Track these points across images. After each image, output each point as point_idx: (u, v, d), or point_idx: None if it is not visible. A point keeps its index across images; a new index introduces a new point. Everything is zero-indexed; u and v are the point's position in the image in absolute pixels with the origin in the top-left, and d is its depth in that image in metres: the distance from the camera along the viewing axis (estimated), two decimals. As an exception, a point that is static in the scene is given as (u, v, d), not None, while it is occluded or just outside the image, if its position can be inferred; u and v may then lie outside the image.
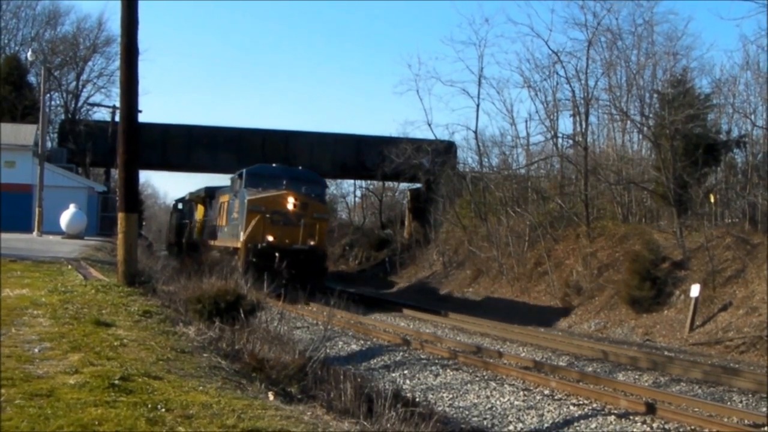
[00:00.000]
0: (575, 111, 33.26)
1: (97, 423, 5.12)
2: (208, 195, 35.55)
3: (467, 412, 10.94)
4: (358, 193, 62.79)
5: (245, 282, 13.62)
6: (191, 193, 41.15)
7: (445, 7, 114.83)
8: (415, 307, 26.21)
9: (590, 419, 10.34)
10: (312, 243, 25.51)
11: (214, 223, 32.56)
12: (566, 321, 24.39)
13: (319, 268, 25.91)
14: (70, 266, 16.93)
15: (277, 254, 24.16)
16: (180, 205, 47.63)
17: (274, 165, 30.85)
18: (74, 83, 54.42)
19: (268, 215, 25.44)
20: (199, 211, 38.19)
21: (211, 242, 31.19)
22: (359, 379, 10.97)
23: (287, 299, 20.34)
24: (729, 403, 11.97)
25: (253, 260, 23.99)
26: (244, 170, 27.90)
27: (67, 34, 54.99)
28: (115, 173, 36.28)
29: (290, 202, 25.58)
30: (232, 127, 48.93)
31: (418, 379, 12.88)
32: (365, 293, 31.00)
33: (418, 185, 45.31)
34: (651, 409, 10.56)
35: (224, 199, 30.85)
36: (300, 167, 32.23)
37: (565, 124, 76.37)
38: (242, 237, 25.56)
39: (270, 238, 25.26)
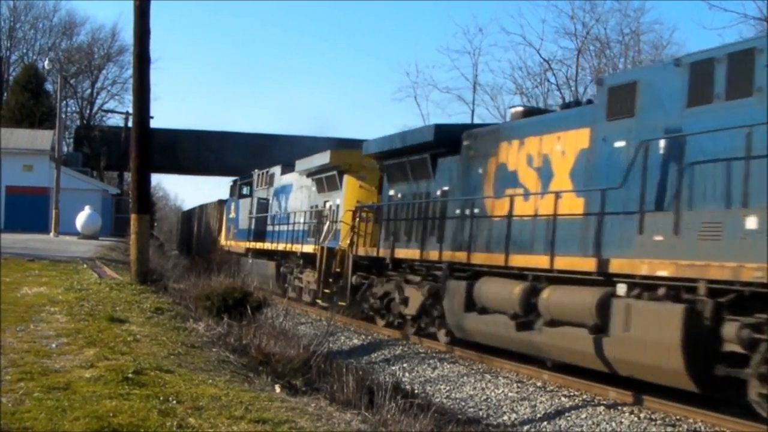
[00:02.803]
0: (566, 117, 33.56)
1: (111, 415, 5.30)
2: (398, 153, 16.55)
3: (463, 403, 11.11)
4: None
5: None
6: (319, 159, 21.14)
7: (441, 17, 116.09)
8: None
9: (581, 409, 10.54)
10: None
11: (461, 212, 14.17)
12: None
13: None
14: (85, 265, 17.31)
15: None
16: (245, 189, 30.16)
17: None
18: (89, 91, 55.85)
19: None
20: (351, 192, 19.59)
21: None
22: (361, 372, 11.21)
23: None
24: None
25: None
26: None
27: (83, 44, 56.32)
28: (128, 176, 36.86)
29: None
30: (238, 132, 49.90)
31: (417, 372, 13.00)
32: None
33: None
34: (638, 399, 10.87)
35: (534, 147, 12.32)
36: None
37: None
38: None
39: None
